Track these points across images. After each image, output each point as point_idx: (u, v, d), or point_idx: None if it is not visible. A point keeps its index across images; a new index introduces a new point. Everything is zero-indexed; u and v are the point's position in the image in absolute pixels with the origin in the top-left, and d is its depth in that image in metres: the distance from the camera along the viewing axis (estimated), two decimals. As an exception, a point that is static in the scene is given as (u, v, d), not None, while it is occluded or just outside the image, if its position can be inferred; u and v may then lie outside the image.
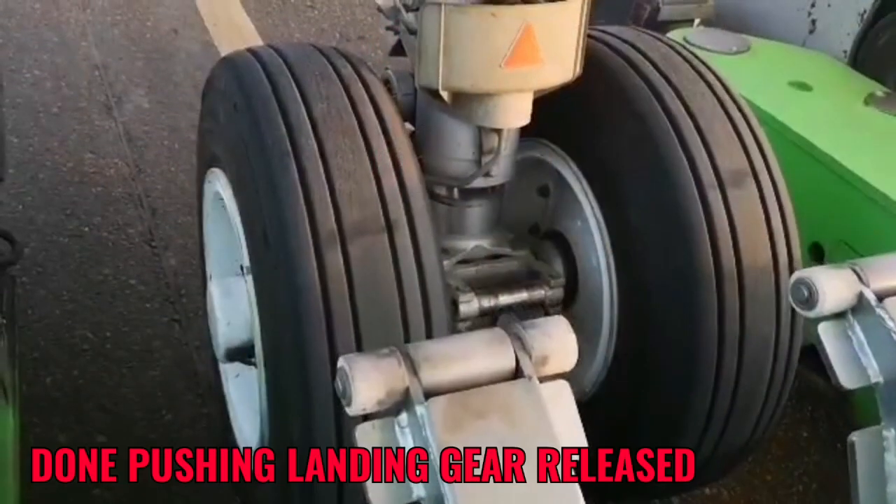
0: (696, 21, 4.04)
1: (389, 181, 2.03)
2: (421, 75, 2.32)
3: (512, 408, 1.51)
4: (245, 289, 2.38)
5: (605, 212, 2.55)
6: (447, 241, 2.67)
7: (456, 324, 2.54)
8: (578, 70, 2.40)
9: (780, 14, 4.26)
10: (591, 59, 2.47)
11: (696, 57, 2.56)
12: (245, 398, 2.74)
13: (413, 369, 1.48)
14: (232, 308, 2.43)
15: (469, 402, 1.48)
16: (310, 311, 1.93)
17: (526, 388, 1.54)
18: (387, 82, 2.54)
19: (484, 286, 2.62)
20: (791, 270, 2.33)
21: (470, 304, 2.53)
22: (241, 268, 2.42)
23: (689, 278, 2.30)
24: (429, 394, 1.47)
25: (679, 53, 2.55)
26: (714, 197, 2.30)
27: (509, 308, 2.66)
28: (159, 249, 4.14)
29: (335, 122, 2.07)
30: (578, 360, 2.83)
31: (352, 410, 1.45)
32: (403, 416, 1.49)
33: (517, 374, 1.56)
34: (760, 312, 2.32)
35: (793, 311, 2.33)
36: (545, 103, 2.46)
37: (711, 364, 2.33)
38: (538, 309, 2.71)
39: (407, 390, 1.47)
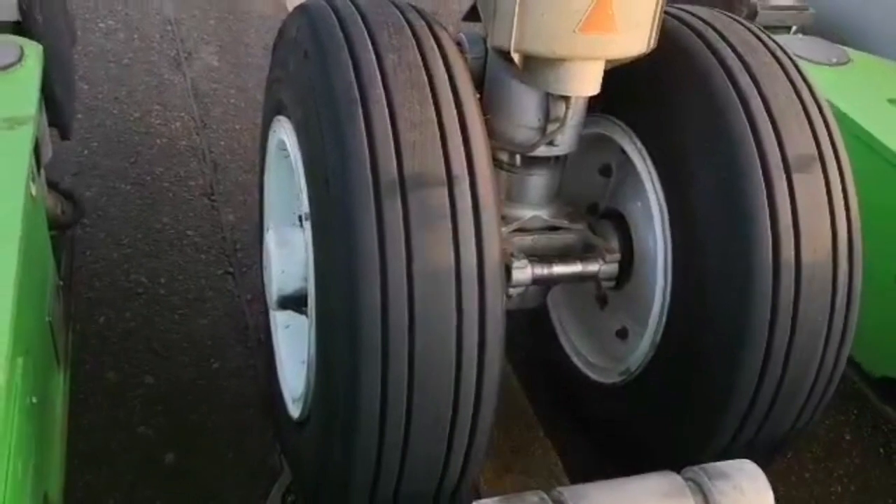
0: (794, 28, 3.97)
1: (454, 136, 2.02)
2: (494, 36, 2.31)
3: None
4: (301, 239, 2.39)
5: (667, 194, 2.52)
6: (506, 209, 2.67)
7: (507, 289, 2.54)
8: (653, 44, 2.37)
9: (884, 29, 4.08)
10: (666, 36, 2.44)
11: (773, 39, 2.52)
12: (293, 349, 2.75)
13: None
14: (287, 256, 2.44)
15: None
16: (364, 260, 1.93)
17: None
18: (458, 44, 2.52)
19: (539, 255, 2.61)
20: (850, 262, 2.29)
21: (523, 271, 2.53)
22: (300, 219, 2.43)
23: (745, 265, 2.27)
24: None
25: (756, 36, 2.51)
26: (780, 185, 2.26)
27: (562, 279, 2.65)
28: (218, 204, 4.17)
29: (405, 73, 2.06)
30: (628, 339, 2.84)
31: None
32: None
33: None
34: (815, 304, 2.28)
35: (847, 304, 2.31)
36: (615, 77, 2.44)
37: (760, 352, 2.30)
38: (590, 282, 2.70)
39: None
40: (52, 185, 3.13)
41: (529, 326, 3.34)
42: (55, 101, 2.89)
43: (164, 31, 5.73)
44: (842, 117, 3.07)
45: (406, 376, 1.98)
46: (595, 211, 2.94)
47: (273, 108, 2.60)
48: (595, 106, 2.58)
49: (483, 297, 1.98)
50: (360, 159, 1.94)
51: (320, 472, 2.34)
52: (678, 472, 2.11)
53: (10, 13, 2.85)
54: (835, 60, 3.56)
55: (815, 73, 2.85)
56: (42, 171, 2.76)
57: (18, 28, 2.87)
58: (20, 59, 2.66)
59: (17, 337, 1.83)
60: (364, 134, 1.96)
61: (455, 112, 2.05)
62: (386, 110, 2.00)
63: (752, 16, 3.80)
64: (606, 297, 3.05)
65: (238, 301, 3.60)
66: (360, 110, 1.98)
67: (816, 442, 3.31)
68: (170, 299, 3.57)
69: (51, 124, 2.95)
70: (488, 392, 2.04)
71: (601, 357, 3.00)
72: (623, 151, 2.69)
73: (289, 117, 2.42)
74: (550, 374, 3.28)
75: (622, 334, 2.93)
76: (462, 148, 2.01)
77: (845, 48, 3.65)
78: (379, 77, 2.04)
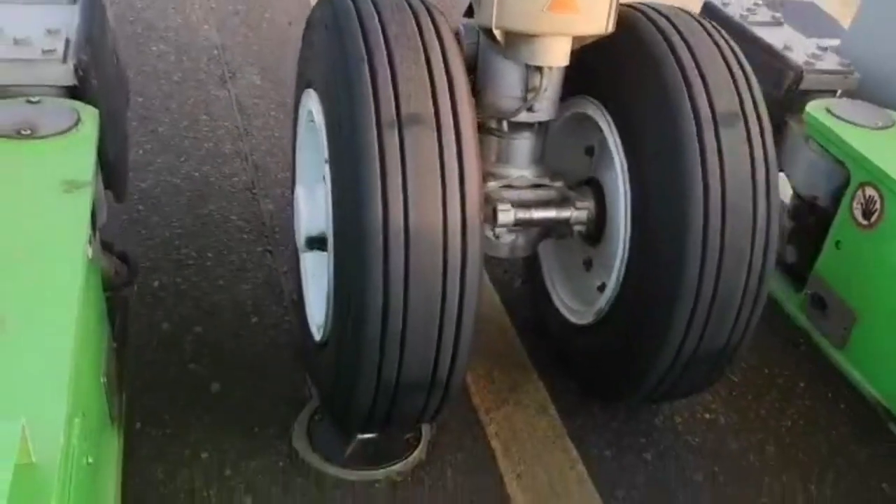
0: (839, 92, 3.88)
1: (442, 87, 2.54)
2: (480, 16, 2.86)
3: None
4: (324, 192, 2.91)
5: (627, 157, 3.01)
6: (496, 168, 3.20)
7: (495, 230, 3.06)
8: (611, 27, 2.89)
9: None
10: (626, 24, 2.97)
11: (711, 24, 3.04)
12: (318, 288, 3.27)
13: None
14: (312, 205, 2.98)
15: None
16: (369, 183, 2.45)
17: None
18: (456, 33, 3.06)
19: (523, 205, 3.14)
20: (768, 201, 2.79)
21: (507, 214, 3.05)
22: (323, 178, 2.96)
23: (681, 207, 2.77)
24: None
25: (698, 21, 3.03)
26: (709, 138, 2.76)
27: (540, 222, 3.17)
28: (259, 196, 4.72)
29: (403, 40, 2.60)
30: (600, 287, 3.34)
31: None
32: None
33: None
34: (739, 231, 2.78)
35: (767, 231, 2.81)
36: (590, 61, 2.99)
37: (695, 277, 2.79)
38: (565, 226, 3.22)
39: None
40: (107, 247, 3.22)
41: (528, 289, 3.93)
42: (109, 164, 2.93)
43: (211, 55, 6.32)
44: (887, 181, 3.35)
45: (403, 278, 2.49)
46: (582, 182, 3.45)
47: (303, 84, 3.15)
48: (577, 88, 3.13)
49: (464, 213, 2.49)
50: (365, 105, 2.47)
51: (336, 376, 2.85)
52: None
53: (68, 78, 2.88)
54: (880, 124, 3.61)
55: (861, 136, 3.44)
56: (98, 233, 2.84)
57: (74, 92, 2.90)
58: (77, 123, 2.69)
59: (75, 398, 1.83)
60: (369, 86, 2.49)
61: (443, 69, 2.57)
62: (388, 68, 2.53)
63: (798, 79, 3.78)
64: (591, 261, 3.55)
65: (275, 272, 4.12)
66: (366, 67, 2.52)
67: (775, 388, 3.78)
68: (215, 269, 4.10)
69: (105, 187, 3.01)
70: (470, 290, 2.54)
71: (582, 305, 3.51)
72: (600, 129, 3.20)
73: (315, 89, 2.96)
74: (542, 325, 3.79)
75: (601, 288, 3.43)
76: (448, 96, 2.53)
77: (890, 111, 3.70)
78: (383, 42, 2.57)
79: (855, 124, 3.58)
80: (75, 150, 2.60)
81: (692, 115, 2.77)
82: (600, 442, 3.43)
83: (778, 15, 4.29)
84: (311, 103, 3.01)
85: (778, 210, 2.83)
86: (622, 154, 3.03)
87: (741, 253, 2.79)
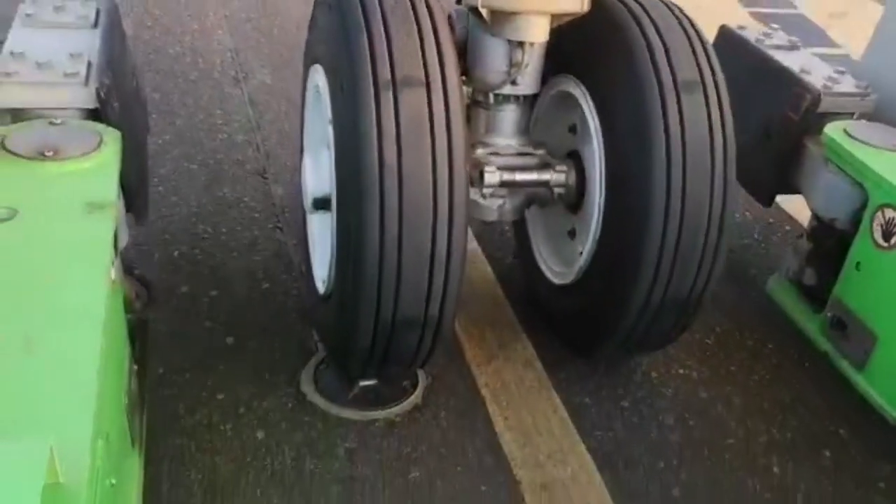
0: (856, 114, 3.90)
1: (431, 55, 2.88)
2: (468, -2, 3.23)
3: None
4: (328, 157, 3.26)
5: (602, 126, 3.35)
6: (485, 138, 3.57)
7: (482, 189, 3.41)
8: (586, 6, 3.25)
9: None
10: (600, 4, 3.32)
11: (678, 8, 3.38)
12: (322, 248, 3.60)
13: None
14: (318, 168, 3.33)
15: None
16: (366, 131, 2.78)
17: None
18: (449, 17, 3.41)
19: (507, 168, 3.49)
20: (725, 155, 3.13)
21: (493, 175, 3.41)
22: (328, 146, 3.31)
23: (646, 162, 3.10)
24: None
25: (666, 5, 3.38)
26: (671, 103, 3.11)
27: (522, 184, 3.52)
28: (269, 181, 5.08)
29: (398, 14, 2.93)
30: (576, 248, 3.68)
31: None
32: None
33: None
34: (699, 187, 3.11)
35: (724, 187, 3.15)
36: (569, 42, 3.38)
37: (659, 231, 3.13)
38: (546, 188, 3.56)
39: None
40: (127, 270, 3.19)
41: (518, 263, 4.34)
42: (130, 187, 2.93)
43: (225, 58, 6.70)
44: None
45: (397, 219, 2.83)
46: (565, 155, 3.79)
47: (309, 62, 3.50)
48: (559, 67, 3.52)
49: (451, 162, 2.83)
50: (364, 67, 2.82)
51: (339, 321, 3.19)
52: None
53: (89, 101, 2.89)
54: None
55: (878, 158, 3.51)
56: (119, 256, 2.78)
57: (96, 115, 2.91)
58: (99, 144, 2.67)
59: (99, 420, 1.80)
60: (367, 51, 2.84)
61: (433, 40, 2.92)
62: (384, 37, 2.88)
63: (816, 102, 3.81)
64: (575, 230, 3.89)
65: (285, 246, 4.47)
66: (364, 37, 2.87)
67: (745, 350, 4.11)
68: (229, 243, 4.45)
69: (126, 210, 3.02)
70: (458, 229, 2.87)
71: (565, 268, 3.85)
72: (580, 106, 3.54)
73: (321, 63, 3.31)
74: (531, 291, 4.13)
75: (583, 253, 3.77)
76: (437, 62, 2.88)
77: None
78: (380, 16, 2.92)
79: (873, 146, 3.58)
80: (98, 172, 2.59)
81: (656, 84, 3.11)
82: (581, 392, 3.75)
83: (794, 39, 4.36)
84: (318, 77, 3.36)
85: (734, 169, 3.16)
86: (598, 126, 3.37)
87: (701, 207, 3.12)
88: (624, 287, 3.30)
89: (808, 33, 4.81)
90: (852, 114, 3.90)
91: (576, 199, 3.65)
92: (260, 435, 3.33)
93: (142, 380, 2.68)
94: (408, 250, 2.86)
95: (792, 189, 4.07)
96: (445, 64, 2.89)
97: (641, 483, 3.34)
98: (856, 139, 3.61)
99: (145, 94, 3.90)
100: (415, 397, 3.58)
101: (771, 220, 5.09)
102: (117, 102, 2.97)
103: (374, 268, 2.89)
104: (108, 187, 2.53)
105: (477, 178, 3.39)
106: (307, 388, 3.56)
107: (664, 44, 3.17)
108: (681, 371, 3.92)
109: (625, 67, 3.21)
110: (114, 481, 1.99)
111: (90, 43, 3.17)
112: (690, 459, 3.46)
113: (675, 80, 3.10)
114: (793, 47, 4.29)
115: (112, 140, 2.72)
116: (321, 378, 3.61)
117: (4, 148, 2.60)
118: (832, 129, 3.69)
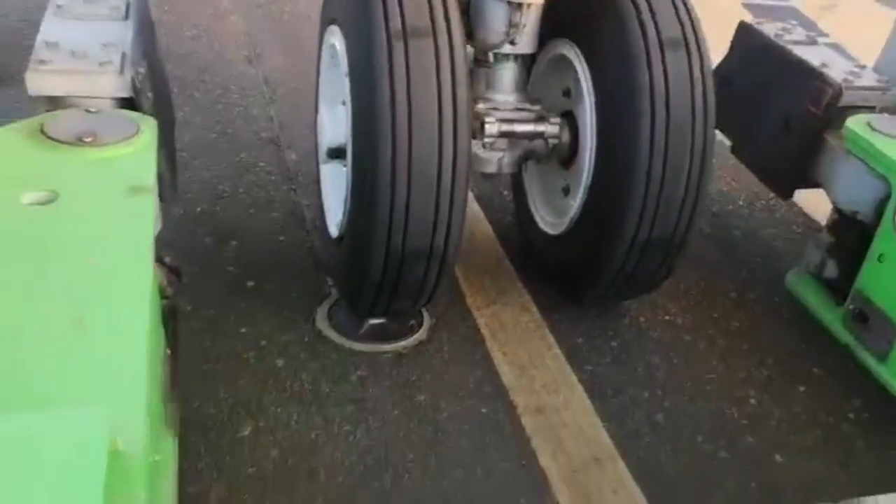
0: (878, 108, 3.91)
1: (438, 9, 3.19)
2: (470, -39, 3.55)
3: None
4: (342, 112, 3.57)
5: (594, 84, 3.68)
6: (487, 94, 3.90)
7: (483, 140, 3.74)
8: (579, -28, 3.58)
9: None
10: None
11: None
12: (335, 194, 3.92)
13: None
14: (333, 121, 3.67)
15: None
16: (379, 74, 3.10)
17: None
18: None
19: (505, 121, 3.82)
20: (705, 107, 3.45)
21: (493, 125, 3.73)
22: (342, 102, 3.63)
23: (633, 109, 3.42)
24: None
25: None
26: (656, 60, 3.43)
27: (520, 134, 3.84)
28: (283, 148, 5.40)
29: (408, -25, 3.29)
30: (569, 202, 4.00)
31: None
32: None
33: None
34: (679, 140, 3.43)
35: (704, 136, 3.47)
36: (565, 6, 3.72)
37: (643, 179, 3.44)
38: (541, 139, 3.88)
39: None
40: (158, 259, 3.08)
41: (516, 220, 4.66)
42: (161, 176, 2.90)
43: (239, 39, 7.03)
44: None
45: (407, 156, 3.14)
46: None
47: (325, 23, 3.83)
48: (556, 31, 3.84)
49: (455, 102, 3.15)
50: (377, 20, 3.14)
51: (351, 257, 3.51)
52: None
53: (124, 90, 2.92)
54: None
55: None
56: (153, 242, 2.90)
57: (130, 104, 2.95)
58: (137, 131, 2.68)
59: (150, 394, 1.86)
60: (381, 6, 3.17)
61: (440, -2, 3.26)
62: (396, -6, 3.21)
63: (838, 95, 3.85)
64: (569, 187, 4.21)
65: (299, 205, 4.79)
66: (379, -3, 3.20)
67: (728, 299, 4.44)
68: (247, 201, 4.77)
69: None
70: (461, 167, 3.19)
71: (559, 218, 4.17)
72: (575, 69, 3.86)
73: (337, 23, 3.64)
74: (527, 243, 4.46)
75: (574, 204, 4.09)
76: (443, 15, 3.20)
77: None
78: (391, -22, 3.25)
79: (894, 137, 3.62)
80: (137, 157, 2.60)
81: (643, 41, 3.43)
82: (574, 332, 4.07)
83: (813, 34, 4.42)
84: (334, 37, 3.68)
85: (713, 120, 3.48)
86: (590, 85, 3.69)
87: (682, 154, 3.44)
88: (612, 231, 3.61)
89: (799, 24, 5.08)
90: (873, 108, 3.92)
91: (568, 156, 3.96)
92: (280, 363, 3.65)
93: (174, 366, 2.65)
94: (416, 186, 3.18)
95: (811, 183, 4.10)
96: (450, 18, 3.21)
97: (628, 409, 3.66)
98: (879, 132, 3.64)
99: (170, 86, 4.03)
100: (420, 334, 3.90)
101: (756, 190, 5.38)
102: (151, 92, 3.02)
103: (386, 204, 3.20)
104: (147, 171, 2.54)
105: (478, 130, 3.71)
106: (322, 324, 3.88)
107: (650, 6, 3.48)
108: (667, 317, 4.24)
109: (615, 28, 3.53)
110: (158, 458, 2.02)
111: (123, 33, 3.21)
112: (673, 391, 3.77)
113: (659, 38, 3.42)
114: (812, 42, 4.33)
115: (148, 127, 2.73)
116: (334, 316, 3.93)
117: (44, 134, 2.60)
118: (854, 122, 3.72)
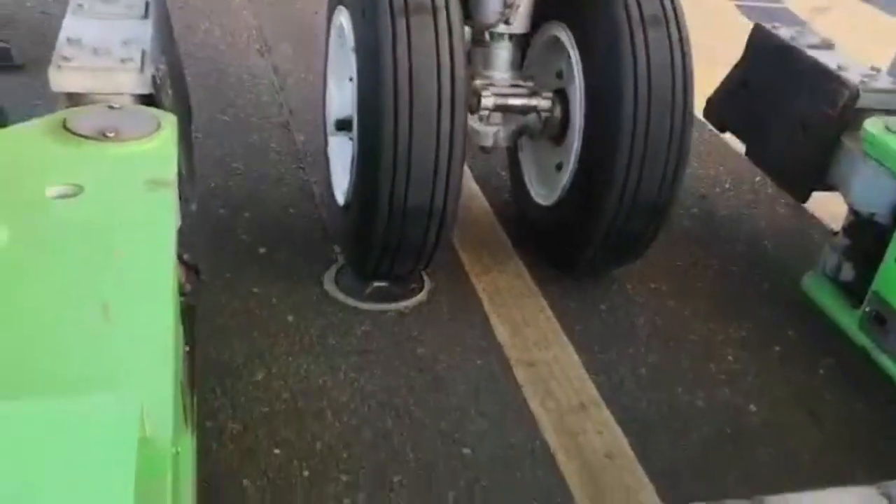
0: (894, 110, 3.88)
1: (439, -13, 3.52)
2: (469, -54, 3.84)
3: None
4: (349, 87, 3.86)
5: (583, 63, 3.96)
6: (484, 71, 4.18)
7: (480, 112, 4.02)
8: (570, -43, 3.87)
9: None
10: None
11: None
12: (342, 166, 4.20)
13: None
14: (341, 94, 3.97)
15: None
16: (384, 50, 3.39)
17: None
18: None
19: (500, 95, 4.11)
20: (685, 84, 3.73)
21: (489, 99, 4.02)
22: (349, 78, 3.92)
23: (618, 81, 3.71)
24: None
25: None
26: (639, 36, 3.72)
27: (514, 108, 4.13)
28: (293, 131, 5.69)
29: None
30: (561, 176, 4.29)
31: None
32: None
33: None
34: (661, 106, 3.71)
35: (684, 106, 3.75)
36: None
37: (628, 141, 3.73)
38: (533, 113, 4.17)
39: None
40: (177, 257, 3.09)
41: (511, 190, 4.91)
42: (180, 172, 2.89)
43: (250, 33, 7.32)
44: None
45: (408, 123, 3.43)
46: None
47: (334, 4, 4.12)
48: (550, 14, 4.12)
49: (453, 71, 3.44)
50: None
51: (357, 222, 3.79)
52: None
53: (145, 86, 2.96)
54: None
55: None
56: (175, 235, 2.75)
57: (149, 101, 2.97)
58: (158, 127, 2.70)
59: (176, 382, 1.87)
60: (386, -16, 3.47)
61: (440, -24, 3.54)
62: (398, -27, 3.50)
63: (855, 97, 3.85)
64: (562, 164, 4.50)
65: (308, 182, 5.07)
66: (383, -26, 3.49)
67: (711, 270, 4.72)
68: (259, 178, 5.06)
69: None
70: (458, 132, 3.47)
71: (551, 190, 4.45)
72: (566, 50, 4.14)
73: (344, 4, 3.93)
74: (521, 215, 4.75)
75: (565, 175, 4.37)
76: (444, -7, 3.50)
77: None
78: (395, -45, 3.54)
79: None
80: (158, 152, 2.62)
81: (626, 18, 3.71)
82: (565, 297, 4.35)
83: (827, 37, 4.44)
84: (342, 17, 3.97)
85: (693, 91, 3.76)
86: (579, 63, 3.98)
87: (663, 122, 3.72)
88: (599, 196, 3.89)
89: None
90: (889, 110, 3.91)
91: (560, 131, 4.24)
92: (290, 318, 3.94)
93: (192, 363, 2.65)
94: (416, 153, 3.46)
95: (827, 185, 4.10)
96: (450, -4, 3.50)
97: (613, 363, 3.93)
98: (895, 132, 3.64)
99: (187, 84, 4.20)
100: (421, 296, 4.18)
101: (742, 174, 5.66)
102: (171, 89, 3.08)
103: (389, 170, 3.49)
104: (169, 166, 2.56)
105: (475, 104, 3.99)
106: (329, 286, 4.16)
107: (634, -10, 3.77)
108: (652, 286, 4.51)
109: (602, 8, 3.81)
110: (179, 450, 1.99)
111: (142, 32, 3.26)
112: (657, 348, 4.05)
113: (642, 16, 3.70)
114: (827, 45, 4.34)
115: (169, 124, 2.75)
116: (341, 280, 4.21)
117: (67, 129, 2.63)
118: (872, 125, 3.72)
